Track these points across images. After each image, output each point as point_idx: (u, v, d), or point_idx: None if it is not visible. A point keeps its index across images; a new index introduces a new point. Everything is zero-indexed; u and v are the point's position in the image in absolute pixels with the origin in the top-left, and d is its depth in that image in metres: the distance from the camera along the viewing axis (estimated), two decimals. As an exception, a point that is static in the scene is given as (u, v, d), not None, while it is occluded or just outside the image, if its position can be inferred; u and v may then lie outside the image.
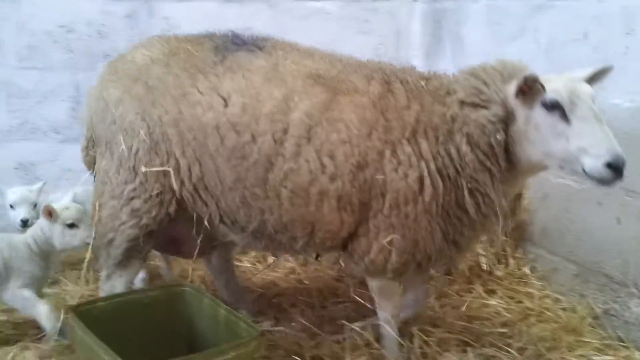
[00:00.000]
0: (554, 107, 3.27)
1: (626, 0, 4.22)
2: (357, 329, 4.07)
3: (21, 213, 4.75)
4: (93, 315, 3.43)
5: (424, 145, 3.51)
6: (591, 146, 3.15)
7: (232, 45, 3.84)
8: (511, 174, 3.53)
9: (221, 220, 3.82)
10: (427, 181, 3.49)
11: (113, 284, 3.95)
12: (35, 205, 4.80)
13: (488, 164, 3.46)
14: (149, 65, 3.86)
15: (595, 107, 3.26)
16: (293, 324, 4.38)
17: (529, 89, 3.31)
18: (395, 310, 3.92)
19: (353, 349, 3.98)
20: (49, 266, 4.24)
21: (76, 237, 4.06)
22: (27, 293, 4.06)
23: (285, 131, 3.56)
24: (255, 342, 3.11)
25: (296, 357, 3.85)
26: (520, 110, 3.40)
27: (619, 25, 4.21)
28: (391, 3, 6.56)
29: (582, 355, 4.01)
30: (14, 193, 4.83)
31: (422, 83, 3.66)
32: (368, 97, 3.59)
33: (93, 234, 3.92)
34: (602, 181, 3.17)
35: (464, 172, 3.50)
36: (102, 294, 3.99)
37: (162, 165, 3.75)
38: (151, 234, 3.86)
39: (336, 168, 3.53)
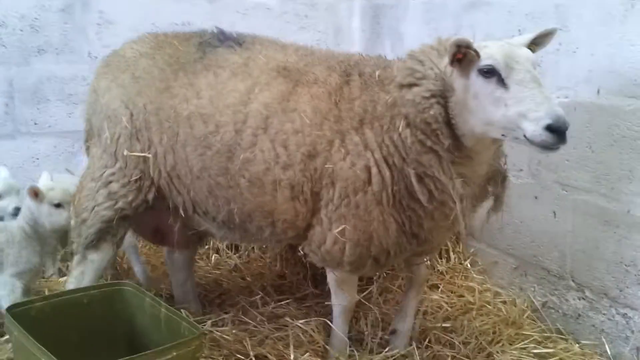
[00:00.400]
0: (490, 72, 3.13)
1: (559, -3, 4.32)
2: (301, 325, 4.10)
3: (12, 202, 4.69)
4: (30, 316, 3.36)
5: (369, 134, 3.48)
6: (530, 110, 3.01)
7: (215, 42, 3.99)
8: (463, 153, 3.38)
9: (194, 210, 3.94)
10: (373, 170, 3.44)
11: (83, 270, 4.01)
12: (18, 192, 4.77)
13: (429, 143, 3.33)
14: (137, 58, 4.06)
15: (534, 71, 3.13)
16: (236, 322, 4.36)
17: (464, 56, 3.19)
18: (349, 304, 3.91)
19: (296, 346, 3.99)
20: (46, 250, 4.25)
21: (62, 216, 4.11)
22: (18, 285, 4.05)
23: (244, 122, 3.65)
24: (197, 342, 3.08)
25: (240, 356, 3.85)
26: (457, 81, 3.28)
27: (552, 22, 4.30)
28: (330, -1, 6.59)
29: (522, 348, 4.11)
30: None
31: (377, 73, 3.61)
32: (325, 89, 3.62)
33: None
34: (544, 146, 3.02)
35: (408, 157, 3.39)
36: (70, 280, 4.04)
37: (142, 151, 3.87)
38: (125, 218, 3.97)
39: (288, 157, 3.56)
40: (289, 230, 3.74)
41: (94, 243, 3.97)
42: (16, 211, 4.51)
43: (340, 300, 3.89)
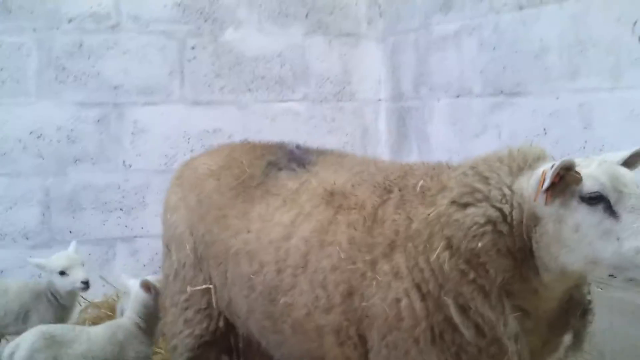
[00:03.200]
0: (596, 199, 2.53)
1: (582, 97, 4.38)
2: None
3: (80, 275, 4.53)
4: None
5: (400, 259, 2.93)
6: None
7: (283, 162, 3.74)
8: (529, 285, 2.76)
9: (258, 343, 3.72)
10: (403, 302, 2.87)
11: None
12: (83, 264, 4.66)
13: (472, 275, 2.71)
14: (205, 177, 3.91)
15: None
16: None
17: (560, 179, 2.56)
18: None
19: None
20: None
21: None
22: None
23: (285, 260, 3.30)
24: None
25: None
26: (544, 209, 2.64)
27: (576, 121, 4.36)
28: (356, 103, 6.76)
29: None
30: (59, 259, 4.62)
31: (420, 184, 3.09)
32: (360, 214, 3.16)
33: None
34: None
35: (447, 284, 2.76)
36: None
37: (205, 282, 3.76)
38: (208, 344, 3.85)
39: (328, 299, 3.12)
40: None
41: None
42: (86, 284, 4.50)
43: None
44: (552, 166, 2.54)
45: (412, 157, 6.19)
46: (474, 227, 2.70)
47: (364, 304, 3.00)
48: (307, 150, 3.89)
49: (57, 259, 4.62)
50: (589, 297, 2.95)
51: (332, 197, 3.33)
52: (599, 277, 2.70)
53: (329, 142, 6.19)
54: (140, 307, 4.18)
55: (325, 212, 3.28)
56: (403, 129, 6.50)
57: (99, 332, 4.03)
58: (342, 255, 3.10)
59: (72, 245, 4.75)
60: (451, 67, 5.67)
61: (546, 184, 2.55)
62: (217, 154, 4.09)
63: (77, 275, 4.53)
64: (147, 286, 4.14)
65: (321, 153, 3.84)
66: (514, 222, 2.71)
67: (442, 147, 5.75)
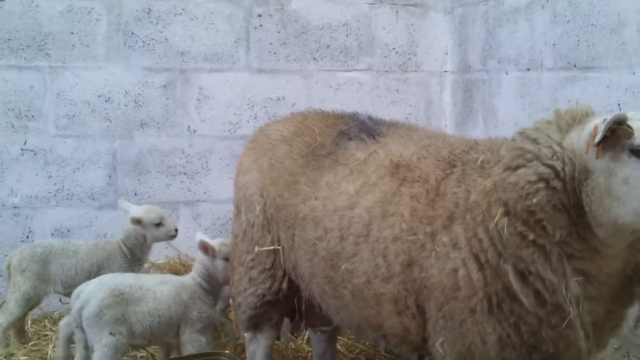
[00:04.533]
0: None
1: (659, 72, 4.26)
2: None
3: (172, 225, 4.98)
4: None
5: (459, 231, 3.00)
6: None
7: (353, 132, 3.83)
8: (588, 245, 2.76)
9: (319, 307, 3.82)
10: (461, 272, 2.95)
11: (254, 348, 4.10)
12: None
13: (531, 236, 2.73)
14: (278, 143, 4.02)
15: None
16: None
17: (611, 133, 2.59)
18: None
19: None
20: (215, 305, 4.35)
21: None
22: (204, 340, 4.14)
23: (348, 228, 3.40)
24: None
25: None
26: (597, 162, 2.66)
27: (652, 97, 4.23)
28: (422, 74, 6.68)
29: None
30: (152, 212, 4.95)
31: (481, 158, 3.15)
32: (424, 187, 3.24)
33: None
34: None
35: (506, 251, 2.80)
36: (247, 356, 4.17)
37: (273, 243, 3.89)
38: (270, 303, 3.96)
39: (388, 269, 3.22)
40: (403, 345, 3.38)
41: (254, 326, 4.04)
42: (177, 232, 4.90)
43: None
44: (604, 120, 2.56)
45: (478, 130, 6.11)
46: (527, 186, 2.73)
47: (422, 274, 3.09)
48: (378, 122, 3.95)
49: (149, 212, 4.87)
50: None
51: (397, 169, 3.41)
52: None
53: (393, 113, 6.16)
54: (201, 267, 4.24)
55: (389, 184, 3.37)
56: (469, 102, 6.40)
57: (164, 291, 4.10)
58: (404, 226, 3.18)
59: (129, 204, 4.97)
60: (521, 40, 5.54)
61: (598, 137, 2.57)
62: (290, 121, 4.16)
63: (170, 225, 4.91)
64: (204, 247, 4.19)
65: (392, 125, 3.90)
66: (567, 178, 2.73)
67: (510, 121, 5.65)
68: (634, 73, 4.46)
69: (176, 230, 4.93)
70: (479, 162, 3.14)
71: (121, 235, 4.94)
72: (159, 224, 4.86)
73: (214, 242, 4.27)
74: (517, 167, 2.81)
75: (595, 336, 2.86)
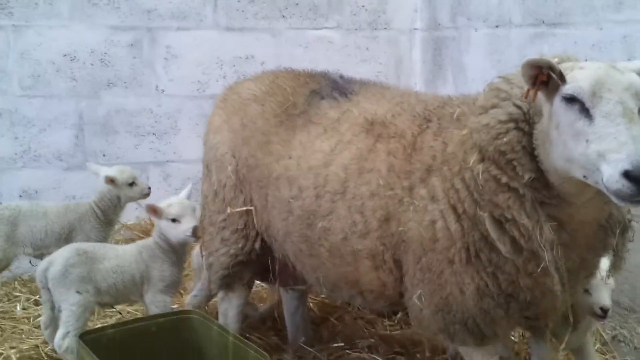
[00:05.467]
0: (572, 100, 2.56)
1: (626, 29, 4.28)
2: None
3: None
4: (102, 343, 3.42)
5: (436, 183, 3.01)
6: (610, 150, 2.42)
7: (326, 91, 3.78)
8: (551, 192, 2.77)
9: (293, 266, 3.81)
10: (439, 224, 2.97)
11: (226, 307, 4.09)
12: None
13: (504, 179, 2.75)
14: (249, 102, 3.94)
15: (631, 103, 2.52)
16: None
17: (548, 79, 2.60)
18: None
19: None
20: (180, 265, 4.24)
21: (179, 230, 4.05)
22: (168, 300, 4.12)
23: (324, 186, 3.39)
24: (265, 370, 3.10)
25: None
26: (545, 107, 2.71)
27: (619, 53, 4.26)
28: (391, 32, 6.65)
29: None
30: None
31: (458, 111, 3.15)
32: (400, 143, 3.23)
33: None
34: (619, 196, 2.41)
35: (482, 199, 2.82)
36: (219, 315, 4.14)
37: (245, 203, 3.85)
38: (242, 263, 3.94)
39: (365, 225, 3.22)
40: (379, 300, 3.42)
41: (226, 285, 4.03)
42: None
43: None
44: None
45: (447, 88, 6.12)
46: (498, 125, 2.77)
47: (400, 228, 3.11)
48: (350, 80, 3.92)
49: (122, 172, 4.87)
50: (628, 216, 2.98)
51: (372, 126, 3.40)
52: (578, 177, 2.61)
53: (363, 71, 6.14)
54: (157, 228, 4.20)
55: (365, 141, 3.36)
56: (438, 59, 6.40)
57: (127, 250, 4.12)
58: (381, 182, 3.19)
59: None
60: (490, -4, 5.55)
61: (528, 82, 2.64)
62: (261, 80, 4.08)
63: (143, 184, 4.95)
64: (150, 208, 4.12)
65: (364, 83, 3.88)
66: (531, 121, 2.78)
67: (479, 78, 5.65)
68: (601, 29, 4.49)
69: (149, 188, 4.93)
70: (455, 115, 3.14)
71: (93, 197, 4.90)
72: (132, 184, 4.84)
73: (164, 203, 4.21)
74: (492, 107, 2.84)
75: (570, 284, 2.91)
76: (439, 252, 2.99)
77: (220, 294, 4.11)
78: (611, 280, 3.36)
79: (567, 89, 2.57)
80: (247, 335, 4.40)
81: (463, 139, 2.95)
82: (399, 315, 4.55)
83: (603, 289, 3.32)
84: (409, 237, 3.09)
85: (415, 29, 6.69)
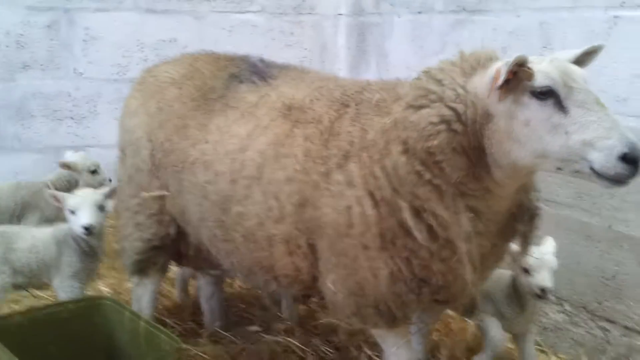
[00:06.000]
0: (546, 94, 2.60)
1: (543, 16, 4.35)
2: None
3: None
4: (10, 330, 3.31)
5: (354, 169, 3.01)
6: (598, 138, 2.49)
7: (245, 75, 3.73)
8: (481, 185, 2.84)
9: (208, 251, 3.76)
10: (355, 209, 2.97)
11: (140, 293, 4.04)
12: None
13: (427, 176, 2.79)
14: (167, 85, 3.87)
15: (594, 91, 2.64)
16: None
17: (513, 75, 2.61)
18: None
19: (271, 358, 3.98)
20: (93, 253, 4.04)
21: (76, 223, 3.85)
22: (77, 285, 3.96)
23: (240, 171, 3.36)
24: (176, 355, 3.05)
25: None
26: (498, 105, 2.71)
27: (536, 39, 4.34)
28: (316, 17, 6.63)
29: (501, 360, 4.08)
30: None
31: (376, 97, 3.17)
32: (317, 128, 3.22)
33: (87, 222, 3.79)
34: (616, 179, 2.51)
35: (402, 188, 2.85)
36: (132, 300, 4.08)
37: (160, 188, 3.77)
38: (157, 248, 3.89)
39: (280, 210, 3.22)
40: (294, 285, 3.40)
41: (140, 270, 3.96)
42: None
43: None
44: (506, 63, 2.59)
45: (370, 73, 6.14)
46: (429, 127, 2.77)
47: (315, 213, 3.10)
48: (270, 64, 3.87)
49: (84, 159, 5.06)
50: (536, 203, 3.06)
51: (290, 111, 3.38)
52: (547, 170, 2.75)
53: (287, 56, 6.08)
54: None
55: (282, 126, 3.33)
56: (362, 45, 6.42)
57: (42, 231, 4.02)
58: (297, 167, 3.17)
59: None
60: (413, -17, 5.58)
61: (501, 80, 2.60)
62: (179, 63, 4.02)
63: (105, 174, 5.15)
64: (54, 197, 4.00)
65: (284, 68, 3.84)
66: (468, 121, 2.77)
67: (401, 64, 5.71)
68: (519, 16, 4.56)
69: (110, 180, 4.98)
70: (374, 101, 3.15)
71: (50, 175, 4.88)
72: (94, 172, 4.94)
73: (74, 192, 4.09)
74: (420, 107, 2.84)
75: (480, 269, 3.00)
76: (354, 237, 3.00)
77: (134, 280, 4.03)
78: (554, 260, 3.47)
79: (542, 82, 2.59)
80: (164, 320, 4.35)
81: (385, 127, 2.95)
82: (314, 299, 4.56)
83: (543, 270, 3.42)
84: (324, 222, 3.08)
85: (340, 14, 6.68)
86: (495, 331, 3.64)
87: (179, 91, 3.80)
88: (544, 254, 3.46)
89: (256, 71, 3.76)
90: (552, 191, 4.23)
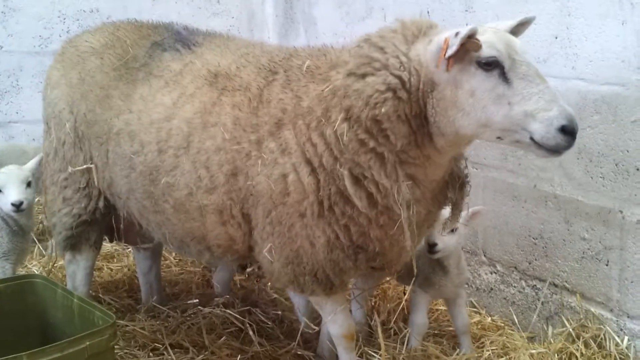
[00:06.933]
0: (492, 65, 2.67)
1: (465, -20, 4.40)
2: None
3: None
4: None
5: (288, 136, 3.01)
6: (539, 110, 2.60)
7: (168, 43, 3.68)
8: (422, 152, 2.89)
9: (139, 225, 3.72)
10: (291, 177, 2.98)
11: (74, 269, 3.96)
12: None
13: (372, 143, 2.83)
14: (88, 55, 3.78)
15: (533, 62, 2.75)
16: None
17: (460, 46, 2.65)
18: (345, 332, 3.32)
19: (209, 331, 3.96)
20: (23, 233, 3.96)
21: (2, 202, 3.78)
22: (8, 266, 3.88)
23: (166, 141, 3.32)
24: (111, 330, 3.02)
25: (157, 344, 3.81)
26: (443, 74, 2.75)
27: (458, 3, 4.39)
28: (243, -16, 6.56)
29: (435, 320, 4.17)
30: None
31: (307, 64, 3.14)
32: (245, 95, 3.19)
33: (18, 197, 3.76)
34: (555, 149, 2.64)
35: (343, 156, 2.88)
36: (67, 278, 4.01)
37: (86, 161, 3.70)
38: (87, 223, 3.81)
39: (211, 180, 3.19)
40: (228, 255, 3.40)
41: (72, 246, 3.88)
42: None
43: (333, 330, 3.36)
44: (457, 34, 2.64)
45: (300, 41, 6.11)
46: (376, 95, 2.79)
47: (248, 182, 3.09)
48: (194, 32, 3.84)
49: None
50: (466, 172, 3.16)
51: (216, 79, 3.36)
52: (488, 139, 2.86)
53: (214, 25, 5.95)
54: None
55: (208, 94, 3.30)
56: (290, 13, 6.38)
57: None
58: (227, 136, 3.15)
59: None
60: (338, -51, 5.56)
61: (451, 51, 2.64)
62: (100, 32, 3.94)
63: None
64: None
65: (208, 35, 3.81)
66: (412, 89, 2.81)
67: (329, 31, 5.71)
68: (443, -20, 4.59)
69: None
70: (304, 67, 3.13)
71: None
72: None
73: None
74: (364, 75, 2.85)
75: (416, 234, 3.05)
76: (289, 205, 3.01)
77: (67, 256, 3.97)
78: (461, 227, 3.54)
79: (488, 53, 2.66)
80: (100, 297, 4.31)
81: (325, 94, 2.94)
82: (249, 270, 4.57)
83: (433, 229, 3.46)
84: (257, 191, 3.08)
85: (267, -19, 6.62)
86: (418, 315, 3.75)
87: (100, 61, 3.74)
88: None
89: (180, 39, 3.72)
90: (479, 153, 4.32)
